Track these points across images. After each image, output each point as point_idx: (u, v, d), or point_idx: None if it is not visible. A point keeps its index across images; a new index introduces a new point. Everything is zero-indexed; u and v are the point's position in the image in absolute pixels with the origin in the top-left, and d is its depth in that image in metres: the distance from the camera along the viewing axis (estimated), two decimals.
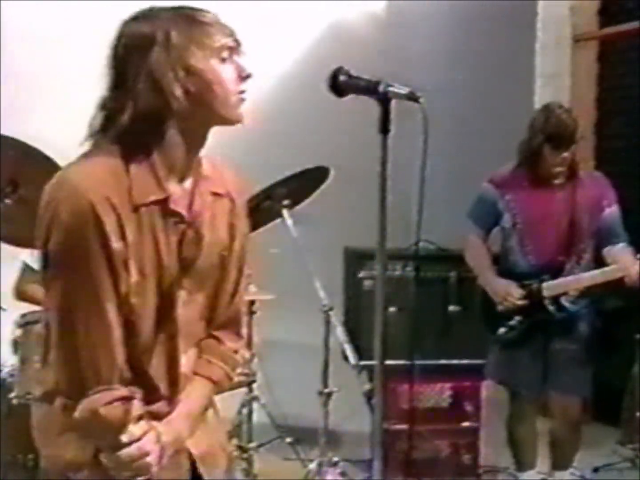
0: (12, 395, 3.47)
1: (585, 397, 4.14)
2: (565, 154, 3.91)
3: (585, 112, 6.24)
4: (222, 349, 2.07)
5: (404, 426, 4.39)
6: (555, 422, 4.14)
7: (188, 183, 1.93)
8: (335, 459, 4.22)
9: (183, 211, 1.90)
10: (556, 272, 3.98)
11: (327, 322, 3.98)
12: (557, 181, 3.99)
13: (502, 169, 4.13)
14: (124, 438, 1.84)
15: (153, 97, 1.82)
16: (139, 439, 1.85)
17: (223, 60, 1.89)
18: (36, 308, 3.82)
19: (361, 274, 4.72)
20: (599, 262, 4.04)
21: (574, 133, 3.91)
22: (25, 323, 3.56)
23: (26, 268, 4.05)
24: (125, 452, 1.84)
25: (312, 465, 4.19)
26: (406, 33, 6.13)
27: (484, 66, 6.00)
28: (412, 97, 1.83)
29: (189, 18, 1.86)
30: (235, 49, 1.92)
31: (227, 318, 2.09)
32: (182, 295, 1.94)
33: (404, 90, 1.83)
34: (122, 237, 1.81)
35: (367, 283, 4.68)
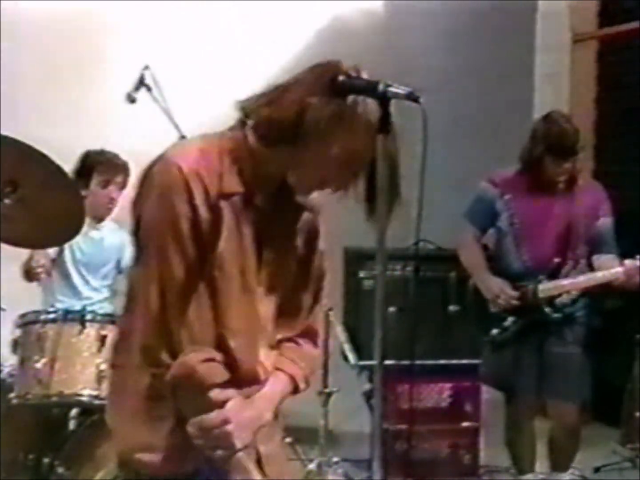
0: (11, 395, 3.46)
1: (583, 401, 4.12)
2: (566, 165, 3.91)
3: (585, 112, 6.25)
4: (303, 351, 2.15)
5: (404, 426, 4.39)
6: (554, 426, 4.13)
7: (273, 191, 2.02)
8: (335, 459, 4.23)
9: (264, 207, 2.00)
10: (551, 274, 3.98)
11: (327, 322, 3.97)
12: (557, 187, 4.00)
13: (504, 171, 4.14)
14: (212, 394, 1.91)
15: (291, 116, 1.88)
16: (222, 405, 1.92)
17: (339, 164, 1.91)
18: (35, 307, 3.83)
19: (361, 274, 4.72)
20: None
21: (576, 144, 3.92)
22: (24, 323, 3.56)
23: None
24: (206, 417, 1.90)
25: (312, 465, 4.19)
26: (406, 32, 6.13)
27: (483, 66, 6.00)
28: (411, 97, 1.82)
29: (364, 109, 1.88)
30: (351, 165, 1.91)
31: (307, 327, 2.18)
32: (259, 291, 2.03)
33: (403, 90, 1.82)
34: (209, 208, 1.93)
35: (367, 283, 4.68)
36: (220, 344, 1.98)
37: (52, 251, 4.11)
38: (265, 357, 2.08)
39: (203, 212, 1.92)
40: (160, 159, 1.96)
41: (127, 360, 2.01)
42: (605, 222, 4.03)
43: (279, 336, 2.12)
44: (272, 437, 2.11)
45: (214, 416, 1.91)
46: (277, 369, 2.09)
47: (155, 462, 1.97)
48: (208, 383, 1.92)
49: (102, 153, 4.26)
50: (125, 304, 2.07)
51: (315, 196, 2.12)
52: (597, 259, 4.01)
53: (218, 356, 1.96)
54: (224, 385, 1.95)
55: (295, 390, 2.11)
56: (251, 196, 1.98)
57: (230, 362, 1.99)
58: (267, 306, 2.06)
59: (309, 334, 2.18)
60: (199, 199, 1.91)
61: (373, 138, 1.83)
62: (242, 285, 1.99)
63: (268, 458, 2.08)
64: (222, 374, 1.95)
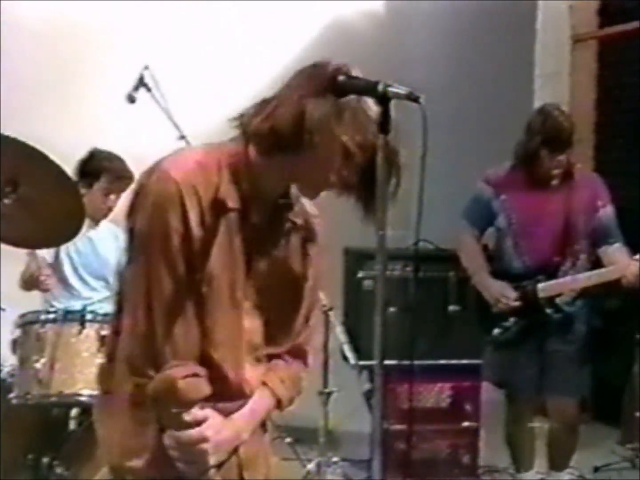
0: (11, 395, 3.46)
1: (582, 398, 4.13)
2: (562, 157, 3.91)
3: (585, 111, 6.25)
4: (292, 371, 2.14)
5: (404, 426, 4.39)
6: (552, 423, 4.14)
7: (269, 206, 2.02)
8: (335, 459, 4.23)
9: (257, 224, 1.99)
10: (551, 273, 3.99)
11: (327, 322, 3.98)
12: (552, 182, 3.99)
13: (498, 168, 4.14)
14: (187, 417, 1.89)
15: (289, 125, 1.87)
16: (200, 423, 1.91)
17: (343, 160, 1.89)
18: (35, 308, 3.83)
19: (361, 274, 4.72)
20: (595, 264, 4.03)
21: (571, 136, 3.92)
22: (24, 323, 3.56)
23: (32, 255, 3.98)
24: (185, 434, 1.90)
25: (312, 465, 4.20)
26: (406, 32, 6.13)
27: (483, 66, 6.00)
28: (411, 97, 1.82)
29: (358, 102, 1.88)
30: (357, 159, 1.89)
31: (297, 346, 2.16)
32: (246, 305, 2.02)
33: (403, 90, 1.82)
34: (202, 225, 1.91)
35: (366, 283, 4.68)
36: (205, 359, 1.97)
37: (48, 256, 4.11)
38: (251, 370, 2.06)
39: (195, 228, 1.90)
40: (157, 168, 1.93)
41: (114, 363, 2.01)
42: (606, 211, 4.02)
43: (267, 351, 2.11)
44: (256, 439, 2.10)
45: (192, 433, 1.90)
46: (264, 384, 2.08)
47: (141, 467, 1.97)
48: (187, 399, 1.90)
49: (111, 158, 4.22)
50: (116, 306, 2.05)
51: (317, 218, 2.14)
52: (605, 251, 3.99)
53: (202, 371, 1.94)
54: (208, 399, 1.93)
55: (279, 409, 2.11)
56: (246, 212, 1.96)
57: (215, 377, 1.97)
58: (253, 320, 2.04)
59: (299, 354, 2.17)
60: (192, 215, 1.89)
61: (373, 129, 1.83)
62: (230, 300, 1.98)
63: (251, 461, 2.07)
64: (204, 390, 1.93)
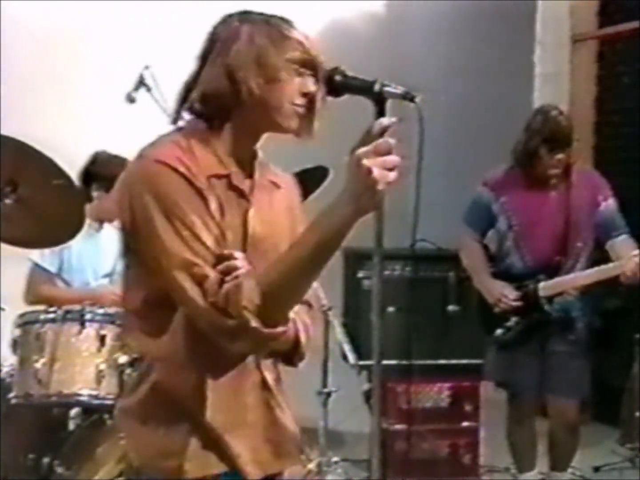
0: (11, 395, 3.46)
1: (583, 399, 4.13)
2: (561, 156, 3.92)
3: (584, 111, 6.26)
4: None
5: (403, 426, 4.39)
6: (553, 424, 4.14)
7: (247, 169, 2.04)
8: (335, 458, 4.23)
9: (245, 188, 2.00)
10: (553, 272, 3.99)
11: (327, 322, 3.98)
12: (551, 182, 4.00)
13: (495, 171, 4.15)
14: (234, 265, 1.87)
15: (224, 83, 1.94)
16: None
17: (293, 71, 1.96)
18: (35, 308, 3.83)
19: (360, 274, 4.73)
20: (598, 261, 4.02)
21: (570, 135, 3.94)
22: (24, 323, 3.56)
23: (35, 268, 4.01)
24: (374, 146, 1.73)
25: (312, 465, 4.19)
26: (406, 33, 6.14)
27: (483, 66, 6.01)
28: (407, 97, 1.82)
29: (275, 26, 1.98)
30: (308, 66, 1.97)
31: None
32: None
33: (399, 90, 1.82)
34: (198, 179, 1.90)
35: (366, 283, 4.69)
36: None
37: (52, 267, 4.05)
38: None
39: (194, 179, 1.89)
40: (136, 159, 1.95)
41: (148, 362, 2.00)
42: (608, 205, 4.02)
43: None
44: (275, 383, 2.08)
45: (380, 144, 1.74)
46: None
47: (176, 468, 1.93)
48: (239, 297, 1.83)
49: (123, 164, 4.18)
50: (142, 304, 1.98)
51: (288, 175, 2.18)
52: (612, 246, 3.98)
53: (222, 267, 1.88)
54: None
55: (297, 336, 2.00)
56: (230, 179, 1.98)
57: None
58: None
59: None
60: (185, 171, 1.88)
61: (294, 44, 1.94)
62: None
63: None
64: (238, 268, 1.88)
